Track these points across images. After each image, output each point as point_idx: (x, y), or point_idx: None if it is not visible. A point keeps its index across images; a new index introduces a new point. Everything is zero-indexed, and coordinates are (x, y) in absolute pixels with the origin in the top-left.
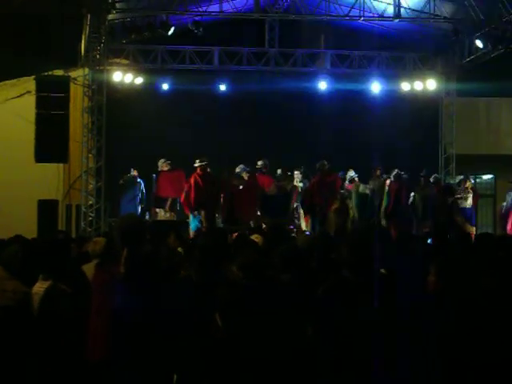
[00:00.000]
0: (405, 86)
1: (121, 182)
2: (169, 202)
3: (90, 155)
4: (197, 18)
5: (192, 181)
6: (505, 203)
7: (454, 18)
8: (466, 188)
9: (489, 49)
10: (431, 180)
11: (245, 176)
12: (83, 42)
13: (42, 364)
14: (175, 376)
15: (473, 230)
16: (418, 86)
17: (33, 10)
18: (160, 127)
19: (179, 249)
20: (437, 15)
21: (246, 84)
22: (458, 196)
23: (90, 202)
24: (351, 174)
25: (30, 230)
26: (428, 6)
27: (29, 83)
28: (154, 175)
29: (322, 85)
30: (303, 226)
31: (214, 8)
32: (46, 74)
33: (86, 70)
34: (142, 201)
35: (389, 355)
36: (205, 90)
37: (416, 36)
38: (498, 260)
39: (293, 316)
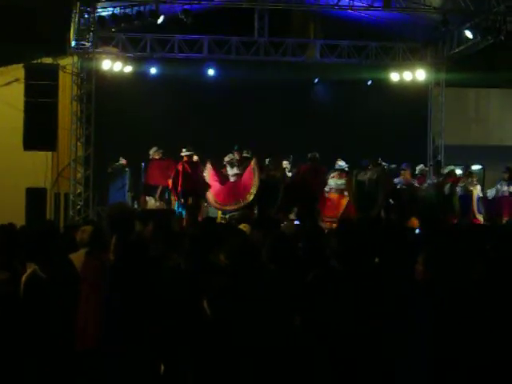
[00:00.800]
0: (394, 76)
1: (109, 170)
2: (159, 191)
3: (79, 143)
4: (186, 7)
5: (180, 168)
6: (489, 190)
7: (444, 8)
8: (469, 177)
9: (478, 39)
10: (417, 172)
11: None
12: (72, 30)
13: (29, 352)
14: (163, 365)
15: (480, 218)
16: (407, 76)
17: None
18: (149, 115)
19: None
20: (426, 5)
21: (235, 73)
22: (461, 184)
23: (79, 191)
24: (341, 163)
25: (18, 218)
26: None
27: (18, 71)
28: (143, 163)
29: (311, 74)
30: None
31: None
32: (34, 62)
33: (75, 58)
34: (130, 189)
35: (377, 344)
36: (194, 78)
37: (405, 26)
38: (487, 250)
39: (280, 304)
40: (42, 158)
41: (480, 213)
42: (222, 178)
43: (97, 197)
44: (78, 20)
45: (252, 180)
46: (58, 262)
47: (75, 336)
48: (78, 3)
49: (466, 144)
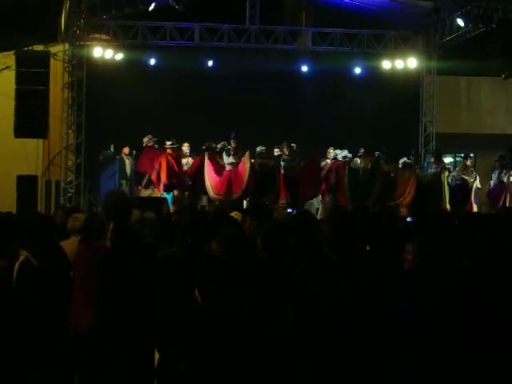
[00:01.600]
0: (386, 64)
1: (101, 157)
2: (145, 179)
3: (70, 131)
4: None
5: (163, 161)
6: (492, 181)
7: None
8: (467, 166)
9: (470, 27)
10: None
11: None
12: (63, 17)
13: (22, 338)
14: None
15: (475, 209)
16: (399, 64)
17: None
18: (140, 103)
19: None
20: None
21: (227, 61)
22: (460, 174)
23: (70, 178)
24: (340, 152)
25: (9, 206)
26: None
27: (8, 58)
28: (134, 152)
29: (303, 63)
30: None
31: None
32: (25, 49)
33: (67, 46)
34: (123, 177)
35: (367, 332)
36: (185, 65)
37: (397, 14)
38: (477, 239)
39: (272, 293)
40: (33, 145)
41: (476, 203)
42: (219, 168)
43: (88, 184)
44: (69, 7)
45: (244, 177)
46: (49, 249)
47: (68, 322)
48: None
49: (458, 132)
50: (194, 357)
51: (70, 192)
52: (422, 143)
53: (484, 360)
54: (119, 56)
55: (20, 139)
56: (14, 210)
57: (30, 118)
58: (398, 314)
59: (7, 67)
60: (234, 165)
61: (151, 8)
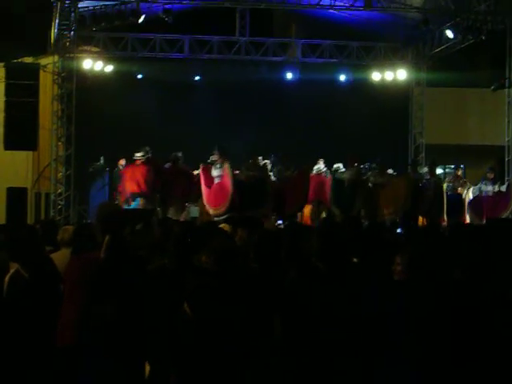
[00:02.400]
0: (375, 76)
1: (90, 169)
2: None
3: (60, 143)
4: (167, 6)
5: (127, 172)
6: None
7: (425, 7)
8: (458, 176)
9: (459, 39)
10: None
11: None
12: (53, 29)
13: (11, 348)
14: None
15: (465, 218)
16: (389, 75)
17: None
18: (130, 115)
19: None
20: (407, 5)
21: (216, 72)
22: (450, 184)
23: (60, 190)
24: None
25: None
26: None
27: None
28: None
29: (293, 74)
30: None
31: None
32: (15, 61)
33: (56, 58)
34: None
35: (356, 344)
36: (175, 77)
37: (386, 26)
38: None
39: (261, 304)
40: (23, 157)
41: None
42: (210, 180)
43: (78, 196)
44: (59, 19)
45: (228, 190)
46: (40, 261)
47: (57, 333)
48: (59, 2)
49: (447, 143)
50: (185, 368)
51: (59, 204)
52: (411, 154)
53: (475, 369)
54: (109, 68)
55: (10, 151)
56: (3, 221)
57: (20, 130)
58: (386, 325)
59: None
60: (221, 177)
61: (141, 20)
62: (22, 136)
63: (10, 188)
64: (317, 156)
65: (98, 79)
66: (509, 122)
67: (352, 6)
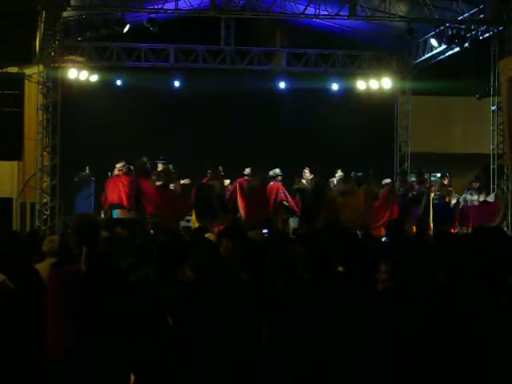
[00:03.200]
0: (360, 85)
1: (76, 179)
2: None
3: (45, 153)
4: (152, 16)
5: (110, 183)
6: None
7: (409, 16)
8: (444, 185)
9: (443, 48)
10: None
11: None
12: (38, 39)
13: None
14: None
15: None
16: (374, 84)
17: None
18: (115, 124)
19: None
20: (392, 14)
21: (202, 82)
22: (437, 192)
23: (45, 200)
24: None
25: None
26: (383, 5)
27: None
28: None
29: (279, 83)
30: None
31: (170, 5)
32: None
33: (41, 67)
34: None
35: (343, 353)
36: (160, 87)
37: (371, 35)
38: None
39: (248, 314)
40: (8, 167)
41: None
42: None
43: (63, 206)
44: (44, 29)
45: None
46: (26, 272)
47: (42, 346)
48: (44, 12)
49: (432, 152)
50: (170, 379)
51: (45, 214)
52: (396, 163)
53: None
54: (94, 77)
55: None
56: None
57: (5, 140)
58: (372, 332)
59: None
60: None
61: (126, 29)
62: (7, 146)
63: None
64: (302, 165)
65: (83, 89)
66: (494, 130)
67: (337, 14)
